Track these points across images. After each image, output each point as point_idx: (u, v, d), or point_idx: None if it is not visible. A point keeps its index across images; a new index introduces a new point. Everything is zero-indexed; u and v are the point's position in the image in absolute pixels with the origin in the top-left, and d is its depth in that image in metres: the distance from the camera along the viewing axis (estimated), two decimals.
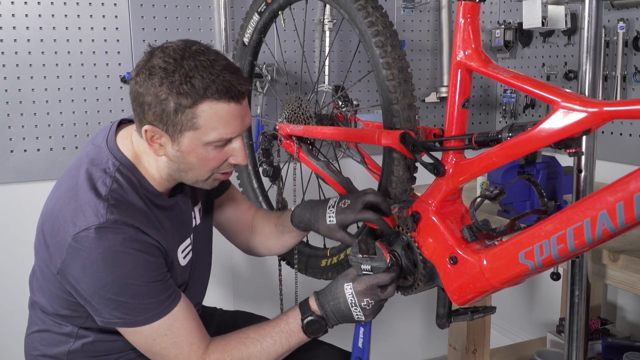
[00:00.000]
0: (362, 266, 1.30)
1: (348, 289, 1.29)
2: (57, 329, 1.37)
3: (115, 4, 2.26)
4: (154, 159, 1.30)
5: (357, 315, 1.29)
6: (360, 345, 1.36)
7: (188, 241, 1.42)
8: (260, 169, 1.91)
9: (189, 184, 1.35)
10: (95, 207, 1.19)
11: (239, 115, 1.23)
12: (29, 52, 2.17)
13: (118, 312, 1.22)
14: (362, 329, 1.36)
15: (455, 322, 1.40)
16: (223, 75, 1.19)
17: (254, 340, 1.30)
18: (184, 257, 1.39)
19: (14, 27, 2.14)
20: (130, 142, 1.32)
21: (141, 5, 2.29)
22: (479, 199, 1.24)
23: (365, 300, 1.28)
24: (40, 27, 2.17)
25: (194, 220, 1.48)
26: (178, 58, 1.18)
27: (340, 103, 1.86)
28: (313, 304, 1.32)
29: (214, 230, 1.64)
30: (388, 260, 1.29)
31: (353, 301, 1.28)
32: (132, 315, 1.23)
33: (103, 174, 1.25)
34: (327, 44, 2.49)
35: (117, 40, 2.28)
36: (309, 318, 1.30)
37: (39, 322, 1.41)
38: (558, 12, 2.08)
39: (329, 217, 1.45)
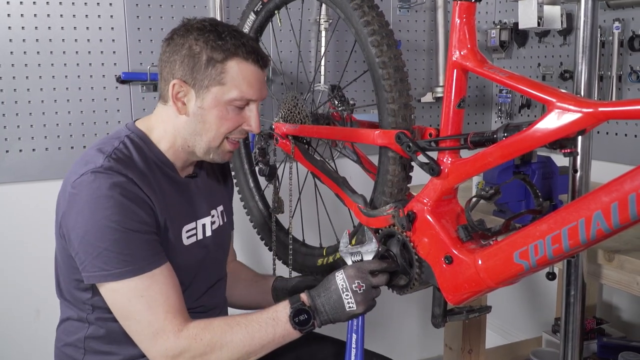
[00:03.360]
0: (353, 257, 1.34)
1: (339, 275, 1.29)
2: (74, 314, 1.40)
3: (110, 4, 2.25)
4: (171, 126, 1.37)
5: (348, 302, 1.27)
6: (352, 357, 1.34)
7: (193, 225, 1.43)
8: (257, 168, 1.91)
9: (200, 156, 1.40)
10: (97, 158, 1.29)
11: (261, 81, 1.36)
12: (25, 52, 2.16)
13: (99, 262, 1.24)
14: (354, 336, 1.33)
15: (451, 322, 1.40)
16: (251, 42, 1.35)
17: (239, 323, 1.29)
18: (188, 238, 1.41)
19: (9, 27, 2.13)
20: (147, 119, 1.42)
21: (137, 5, 2.28)
22: (474, 199, 1.24)
23: (356, 282, 1.27)
24: (36, 27, 2.17)
25: (213, 217, 1.50)
26: (213, 23, 1.35)
27: (336, 102, 1.86)
28: (303, 296, 1.31)
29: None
30: (378, 245, 1.32)
31: (344, 285, 1.27)
32: (111, 266, 1.24)
33: (113, 140, 1.36)
34: (323, 43, 2.49)
35: (113, 40, 2.27)
36: (297, 306, 1.29)
37: (62, 311, 1.45)
38: (554, 12, 2.09)
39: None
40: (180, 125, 1.36)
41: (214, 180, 1.56)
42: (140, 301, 1.26)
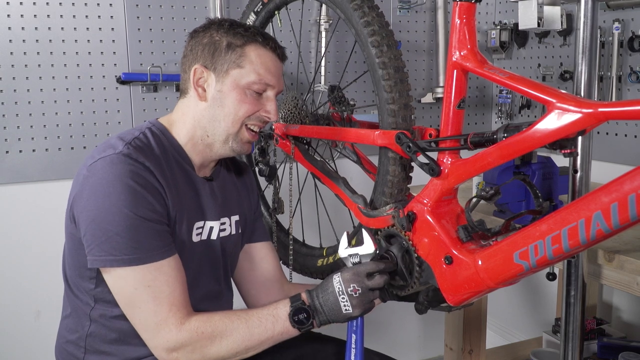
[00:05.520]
0: (351, 260, 1.33)
1: (336, 277, 1.29)
2: (77, 309, 1.40)
3: (110, 5, 2.25)
4: (190, 117, 1.40)
5: (344, 305, 1.28)
6: (352, 357, 1.33)
7: (202, 223, 1.43)
8: (257, 169, 1.91)
9: (219, 148, 1.41)
10: (117, 145, 1.31)
11: (278, 69, 1.42)
12: (25, 53, 2.16)
13: (107, 246, 1.24)
14: (354, 336, 1.33)
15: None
16: (268, 35, 1.43)
17: (239, 318, 1.30)
18: (197, 235, 1.42)
19: (9, 28, 2.14)
20: (169, 116, 1.45)
21: (137, 5, 2.29)
22: (474, 199, 1.24)
23: (351, 286, 1.27)
24: (36, 28, 2.17)
25: (223, 225, 1.49)
26: (232, 20, 1.43)
27: (336, 103, 1.86)
28: (304, 296, 1.32)
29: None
30: (375, 247, 1.32)
31: (340, 289, 1.28)
32: (119, 252, 1.24)
33: (135, 131, 1.38)
34: (323, 44, 2.49)
35: (113, 40, 2.27)
36: (297, 305, 1.30)
37: (66, 306, 1.45)
38: (554, 13, 2.08)
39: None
40: (200, 113, 1.39)
41: (232, 190, 1.55)
42: (147, 291, 1.26)
